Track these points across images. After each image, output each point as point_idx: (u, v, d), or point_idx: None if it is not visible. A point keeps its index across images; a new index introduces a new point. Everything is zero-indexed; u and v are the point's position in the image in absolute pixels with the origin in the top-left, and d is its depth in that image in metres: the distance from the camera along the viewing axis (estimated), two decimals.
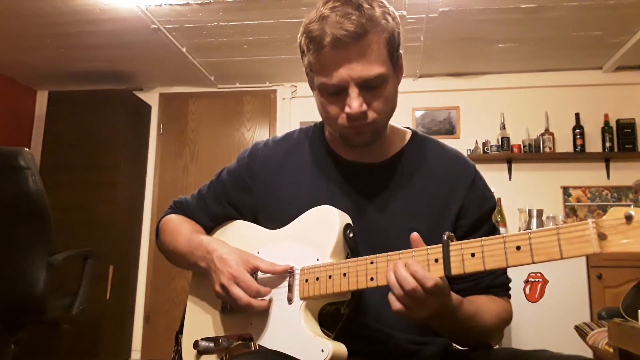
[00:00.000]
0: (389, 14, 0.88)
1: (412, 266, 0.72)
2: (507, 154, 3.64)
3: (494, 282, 0.95)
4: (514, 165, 3.71)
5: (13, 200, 2.04)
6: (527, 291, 3.06)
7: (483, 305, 0.88)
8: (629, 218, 0.60)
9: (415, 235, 0.76)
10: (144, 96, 4.16)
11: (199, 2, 2.84)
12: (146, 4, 2.84)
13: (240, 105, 4.14)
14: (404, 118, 3.83)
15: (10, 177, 2.02)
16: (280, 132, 3.99)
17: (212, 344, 0.92)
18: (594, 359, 1.97)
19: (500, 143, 3.66)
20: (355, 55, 0.84)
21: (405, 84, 3.86)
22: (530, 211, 3.40)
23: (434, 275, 0.71)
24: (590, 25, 3.05)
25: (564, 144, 3.65)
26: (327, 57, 0.85)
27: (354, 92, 0.85)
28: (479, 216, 0.96)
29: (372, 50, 0.85)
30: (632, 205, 0.66)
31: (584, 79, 3.73)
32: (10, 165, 2.02)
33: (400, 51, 0.93)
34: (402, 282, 0.72)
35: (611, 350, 1.60)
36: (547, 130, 3.65)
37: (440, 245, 0.73)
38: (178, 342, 1.06)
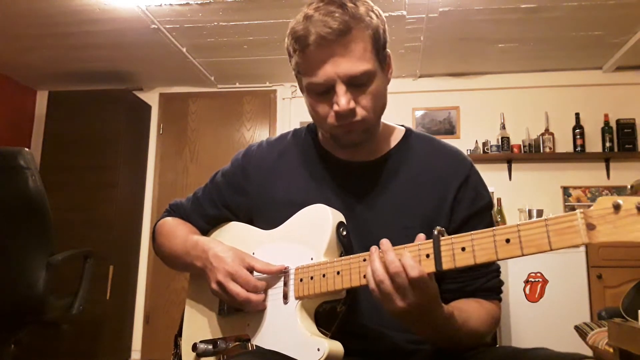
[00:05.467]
0: (373, 12, 0.89)
1: (404, 256, 0.72)
2: (507, 154, 3.64)
3: (484, 286, 0.94)
4: (514, 165, 3.71)
5: (13, 200, 2.04)
6: (527, 291, 3.05)
7: (472, 313, 0.87)
8: (617, 207, 0.59)
9: (421, 236, 0.76)
10: (144, 96, 4.17)
11: (199, 2, 2.84)
12: (146, 4, 2.85)
13: (240, 105, 4.15)
14: (404, 118, 3.83)
15: (10, 177, 2.02)
16: (280, 132, 3.98)
17: (210, 346, 0.92)
18: (592, 357, 1.96)
19: (500, 143, 3.65)
20: (340, 52, 0.84)
21: (405, 84, 3.91)
22: (530, 211, 3.40)
23: (422, 268, 0.71)
24: (590, 25, 3.05)
25: (564, 144, 3.65)
26: (312, 56, 0.86)
27: (341, 89, 0.85)
28: (471, 213, 0.95)
29: (356, 46, 0.85)
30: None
31: (584, 79, 3.73)
32: (10, 165, 2.02)
33: (388, 50, 0.93)
34: (389, 265, 0.72)
35: (611, 350, 1.59)
36: (547, 130, 3.65)
37: (431, 240, 0.73)
38: (177, 345, 1.06)
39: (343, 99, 0.85)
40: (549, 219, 0.64)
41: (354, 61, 0.85)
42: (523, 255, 0.66)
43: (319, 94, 0.89)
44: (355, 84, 0.86)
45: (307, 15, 0.85)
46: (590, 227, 0.60)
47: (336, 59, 0.84)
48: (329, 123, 0.90)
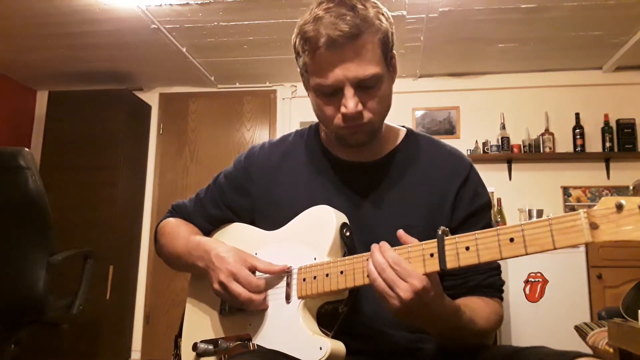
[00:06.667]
0: (383, 15, 0.89)
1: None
2: (507, 154, 3.64)
3: (484, 282, 0.95)
4: (514, 165, 3.71)
5: (13, 200, 2.04)
6: (527, 291, 3.05)
7: (477, 310, 0.87)
8: (619, 207, 0.60)
9: (400, 232, 0.77)
10: (144, 96, 4.17)
11: (199, 2, 2.84)
12: (146, 4, 2.85)
13: (240, 105, 4.15)
14: (404, 118, 3.83)
15: (10, 177, 2.02)
16: (280, 132, 4.00)
17: (211, 346, 0.92)
18: (589, 354, 1.96)
19: (500, 143, 3.66)
20: (350, 55, 0.85)
21: (405, 84, 3.91)
22: (530, 211, 3.40)
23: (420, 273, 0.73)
24: (590, 25, 3.06)
25: (564, 144, 3.65)
26: (322, 58, 0.86)
27: (349, 92, 0.86)
28: (472, 211, 0.96)
29: (366, 50, 0.85)
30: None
31: (584, 79, 3.73)
32: (10, 165, 2.02)
33: (394, 51, 0.93)
34: (390, 260, 0.74)
35: (611, 350, 1.59)
36: (547, 130, 3.65)
37: (435, 240, 0.74)
38: (177, 346, 1.06)
39: (351, 102, 0.86)
40: (552, 218, 0.65)
41: (363, 65, 0.85)
42: (527, 254, 0.66)
43: (326, 94, 0.89)
44: (363, 86, 0.87)
45: (318, 17, 0.85)
46: (594, 226, 0.62)
47: (346, 62, 0.85)
48: (336, 124, 0.90)
